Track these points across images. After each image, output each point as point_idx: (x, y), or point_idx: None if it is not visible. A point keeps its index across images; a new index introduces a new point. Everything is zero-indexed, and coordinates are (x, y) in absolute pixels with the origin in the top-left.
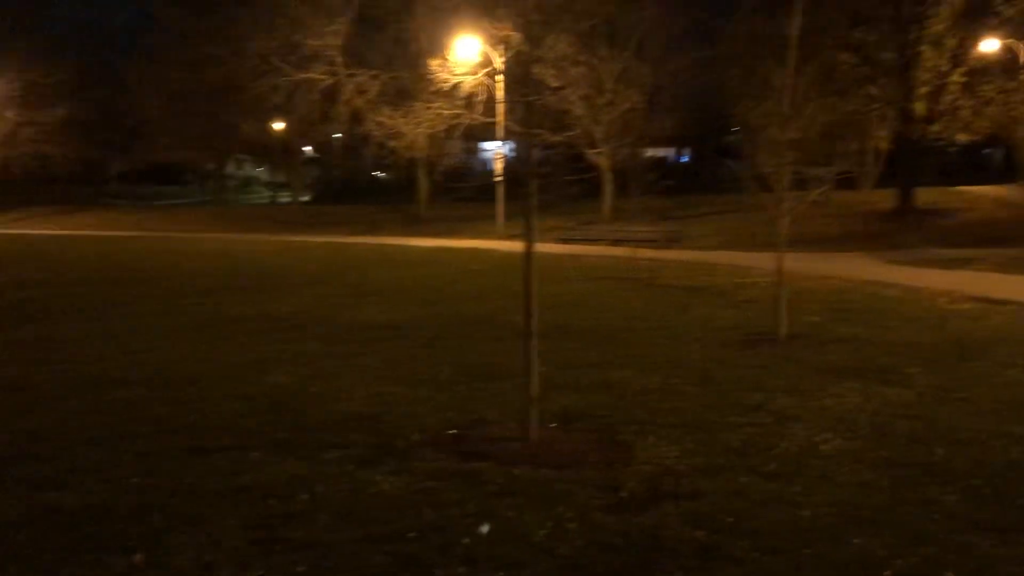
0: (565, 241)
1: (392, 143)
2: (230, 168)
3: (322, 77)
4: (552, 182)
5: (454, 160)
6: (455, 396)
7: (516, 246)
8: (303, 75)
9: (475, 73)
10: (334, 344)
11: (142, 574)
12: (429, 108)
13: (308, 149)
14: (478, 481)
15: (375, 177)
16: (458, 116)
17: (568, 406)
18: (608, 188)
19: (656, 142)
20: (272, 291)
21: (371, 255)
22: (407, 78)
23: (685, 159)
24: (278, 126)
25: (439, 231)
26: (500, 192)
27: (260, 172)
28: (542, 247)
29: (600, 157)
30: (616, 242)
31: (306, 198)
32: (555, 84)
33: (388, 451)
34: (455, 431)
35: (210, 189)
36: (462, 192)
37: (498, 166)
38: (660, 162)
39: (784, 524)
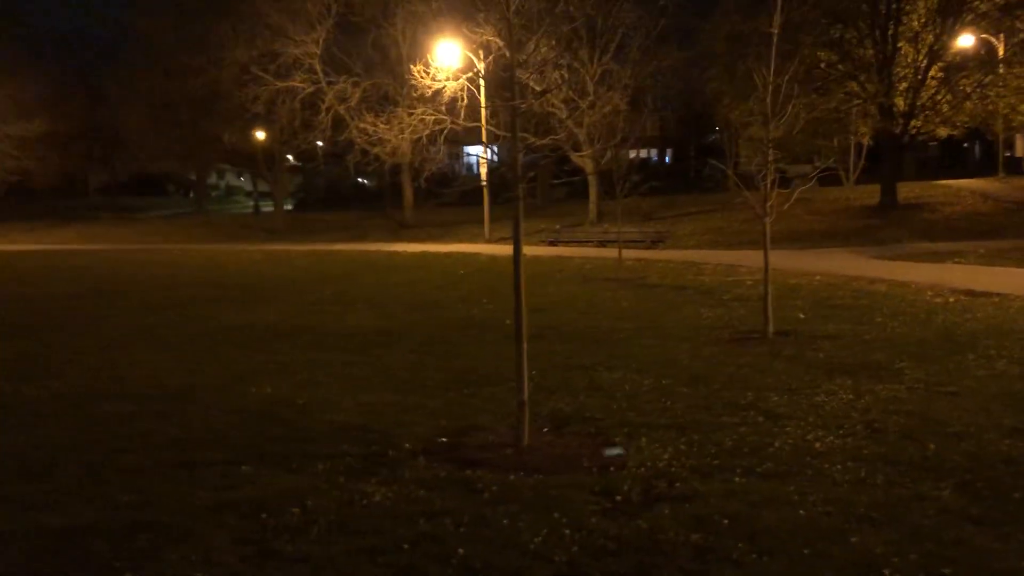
0: (552, 243)
1: (375, 150)
2: (212, 178)
3: (302, 85)
4: (537, 186)
5: (438, 166)
6: (446, 402)
7: (502, 250)
8: (284, 83)
9: (457, 78)
10: (322, 352)
11: None
12: (411, 114)
13: (290, 157)
14: (472, 489)
15: (360, 184)
16: (441, 122)
17: (560, 409)
18: (593, 190)
19: (639, 143)
20: (258, 301)
21: (357, 262)
22: (389, 84)
23: (667, 160)
24: (260, 135)
25: (425, 236)
26: (486, 196)
27: (243, 182)
28: (529, 250)
29: (584, 160)
30: (602, 244)
31: (289, 207)
32: (537, 88)
33: (379, 461)
34: (446, 439)
35: (192, 200)
36: (447, 197)
37: (483, 171)
38: (643, 163)
39: (781, 524)
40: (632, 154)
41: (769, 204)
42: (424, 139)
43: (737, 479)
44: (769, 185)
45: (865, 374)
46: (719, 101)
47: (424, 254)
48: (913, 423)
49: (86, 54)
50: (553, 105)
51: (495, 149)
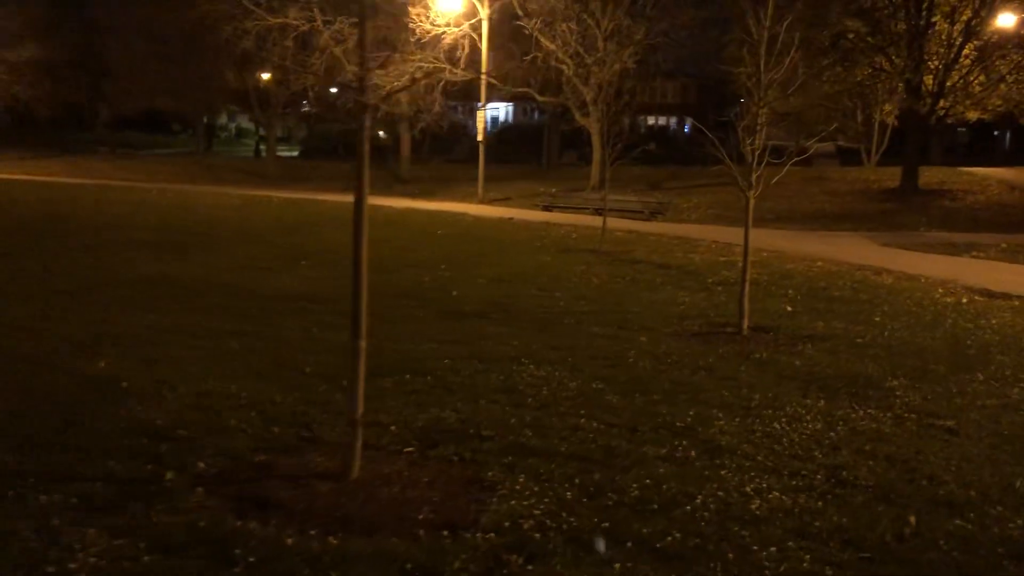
0: (547, 208)
1: (368, 97)
2: (223, 120)
3: (296, 22)
4: (545, 147)
5: (444, 120)
6: (305, 398)
7: (492, 211)
8: (277, 20)
9: (458, 25)
10: (213, 318)
11: None
12: (409, 60)
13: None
14: (222, 558)
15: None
16: (440, 70)
17: (443, 420)
18: (597, 154)
19: (656, 110)
20: (195, 250)
21: (332, 214)
22: (389, 27)
23: (687, 129)
24: (253, 75)
25: (417, 192)
26: (481, 153)
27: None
28: (520, 214)
29: (589, 121)
30: (598, 211)
31: (294, 153)
32: (543, 39)
33: (143, 490)
34: (263, 457)
35: (199, 140)
36: (457, 154)
37: (480, 126)
38: (661, 131)
39: None
40: (650, 121)
41: (755, 176)
42: (421, 88)
43: (620, 562)
44: (757, 155)
45: (846, 393)
46: (736, 67)
47: (408, 210)
48: (893, 476)
49: None
50: (559, 59)
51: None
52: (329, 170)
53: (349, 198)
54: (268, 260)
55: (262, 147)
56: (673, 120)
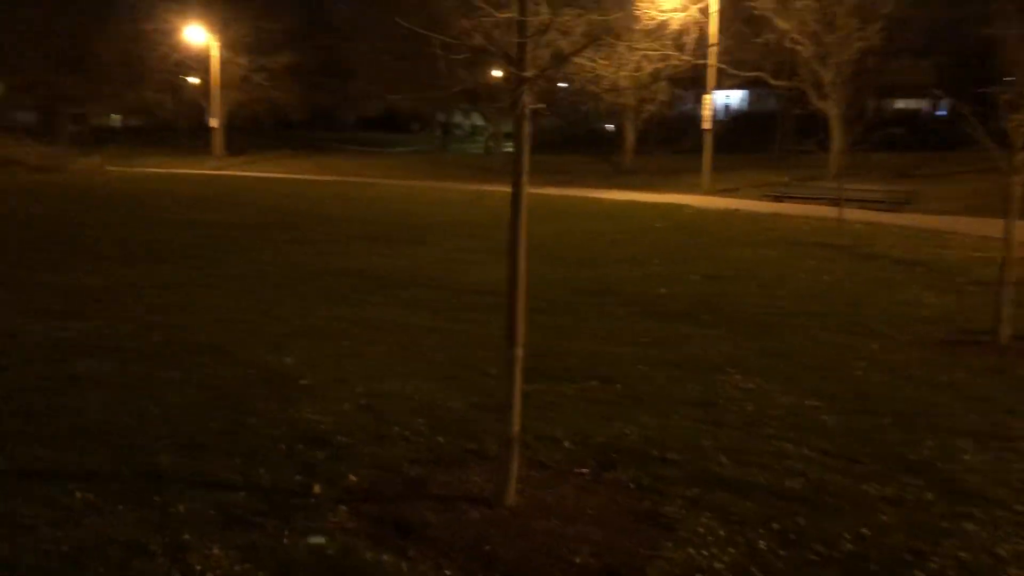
0: (777, 199)
1: (591, 88)
2: (458, 118)
3: (523, 18)
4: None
5: (670, 109)
6: (481, 404)
7: (717, 203)
8: (504, 15)
9: (685, 9)
10: (414, 312)
11: None
12: (634, 49)
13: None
14: None
15: (598, 128)
16: (666, 58)
17: (623, 437)
18: (836, 141)
19: (904, 92)
20: (412, 242)
21: (548, 207)
22: (616, 17)
23: (942, 112)
24: (496, 73)
25: (640, 184)
26: (708, 142)
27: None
28: (749, 205)
29: (828, 105)
30: (834, 202)
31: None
32: (778, 20)
33: (287, 502)
34: (420, 471)
35: (432, 137)
36: (685, 144)
37: (706, 113)
38: (912, 115)
39: None
40: (899, 105)
41: (1021, 158)
42: (646, 77)
43: None
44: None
45: None
46: (1003, 40)
47: (628, 203)
48: None
49: None
50: (796, 40)
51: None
52: (549, 164)
53: (568, 191)
54: (477, 253)
55: (491, 143)
56: (924, 103)
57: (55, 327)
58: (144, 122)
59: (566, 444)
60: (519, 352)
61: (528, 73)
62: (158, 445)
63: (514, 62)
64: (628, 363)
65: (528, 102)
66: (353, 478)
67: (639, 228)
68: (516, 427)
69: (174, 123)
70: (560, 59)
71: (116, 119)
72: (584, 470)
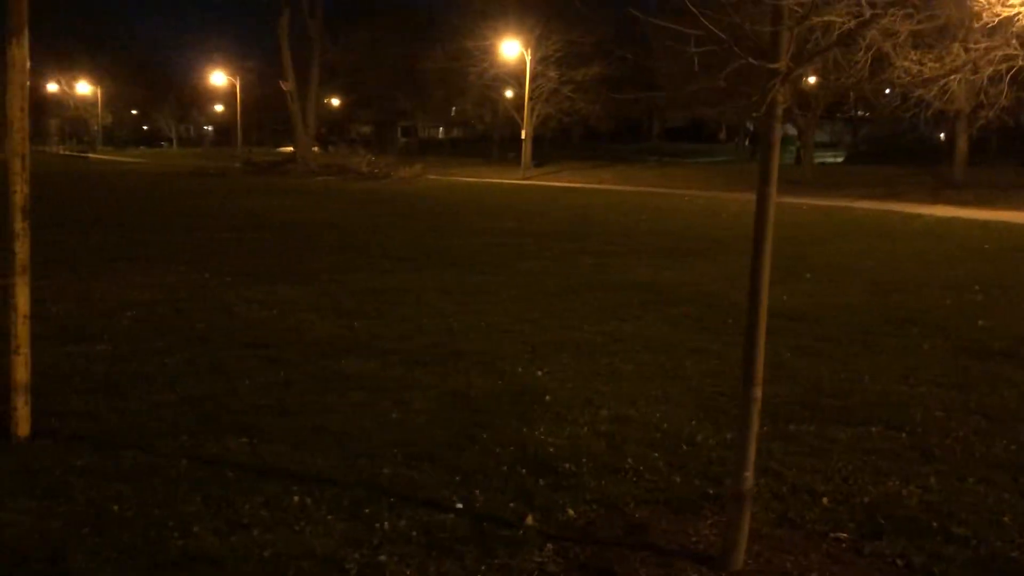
0: None
1: (918, 93)
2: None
3: (841, 19)
4: None
5: (1005, 115)
6: (732, 442)
7: None
8: (820, 19)
9: None
10: (684, 329)
11: None
12: (970, 49)
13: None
14: None
15: (925, 136)
16: (1011, 58)
17: (901, 499)
18: None
19: None
20: (700, 256)
21: (861, 223)
22: (950, 15)
23: None
24: (811, 79)
25: (968, 199)
26: None
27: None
28: None
29: None
30: None
31: (838, 159)
32: None
33: (490, 533)
34: (646, 512)
35: (742, 148)
36: None
37: None
38: None
39: None
40: None
41: None
42: (985, 80)
43: None
44: None
45: None
46: None
47: (952, 219)
48: None
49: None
50: None
51: None
52: (866, 176)
53: (886, 206)
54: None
55: (803, 153)
56: None
57: (339, 324)
58: (464, 134)
59: (825, 500)
60: (758, 393)
61: (779, 65)
62: (386, 453)
63: (763, 53)
64: (923, 407)
65: (781, 99)
66: (571, 512)
67: (964, 249)
68: (748, 481)
69: (490, 135)
70: (813, 52)
71: (440, 131)
72: (842, 535)
